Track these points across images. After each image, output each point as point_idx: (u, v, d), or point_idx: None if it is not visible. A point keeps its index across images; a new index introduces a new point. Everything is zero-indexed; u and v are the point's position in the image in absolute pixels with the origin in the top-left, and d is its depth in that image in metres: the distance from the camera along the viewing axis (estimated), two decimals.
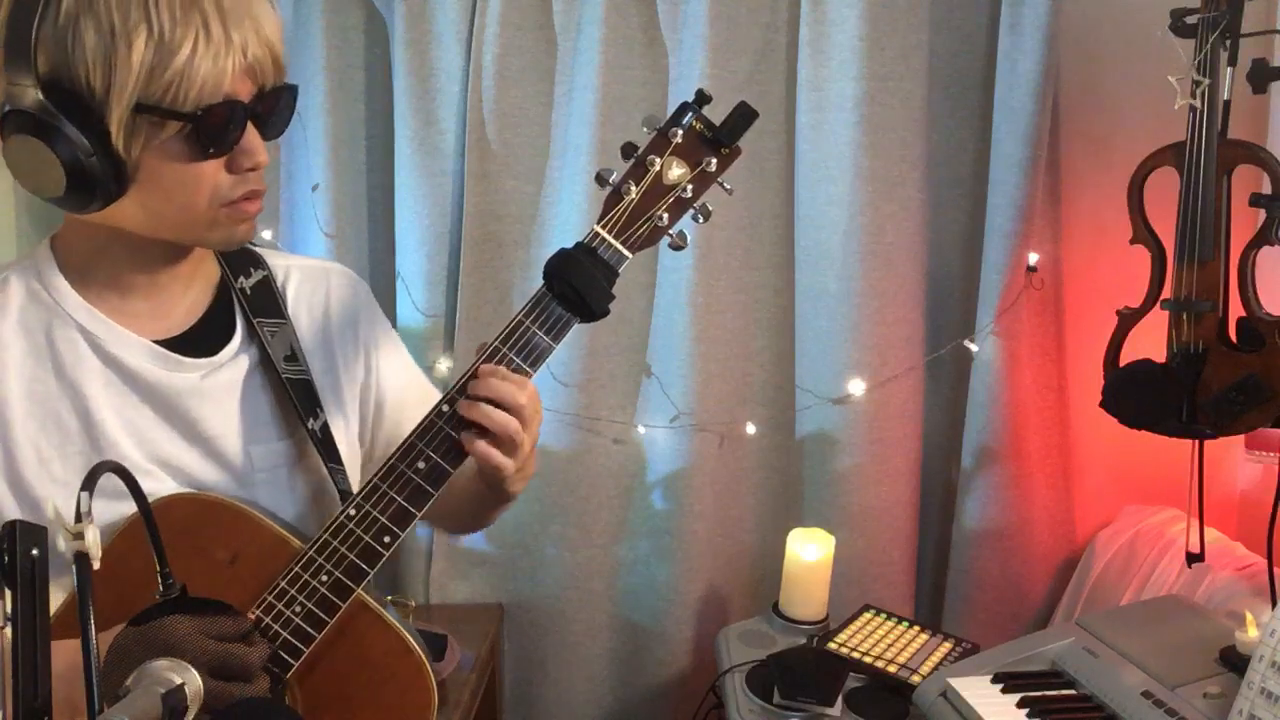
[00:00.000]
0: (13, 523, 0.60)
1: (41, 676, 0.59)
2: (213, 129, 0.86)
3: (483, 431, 0.96)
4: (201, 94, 0.84)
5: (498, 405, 0.95)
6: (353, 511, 0.95)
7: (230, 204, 0.91)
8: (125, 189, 0.87)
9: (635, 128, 1.89)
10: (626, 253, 1.00)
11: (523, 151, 1.92)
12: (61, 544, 0.62)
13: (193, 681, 0.72)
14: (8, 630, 0.59)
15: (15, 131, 0.84)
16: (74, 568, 0.62)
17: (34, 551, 0.59)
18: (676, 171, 1.01)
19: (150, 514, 0.74)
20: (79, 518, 0.62)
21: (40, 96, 0.83)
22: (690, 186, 1.01)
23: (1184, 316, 1.48)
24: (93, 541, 0.62)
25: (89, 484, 0.65)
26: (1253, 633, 1.26)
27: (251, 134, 0.89)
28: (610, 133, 1.86)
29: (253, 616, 0.92)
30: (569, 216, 1.89)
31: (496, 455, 0.96)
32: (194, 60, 0.83)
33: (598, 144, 1.85)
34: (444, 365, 1.98)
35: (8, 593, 0.59)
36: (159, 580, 0.79)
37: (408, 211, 1.93)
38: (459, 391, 0.97)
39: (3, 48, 0.84)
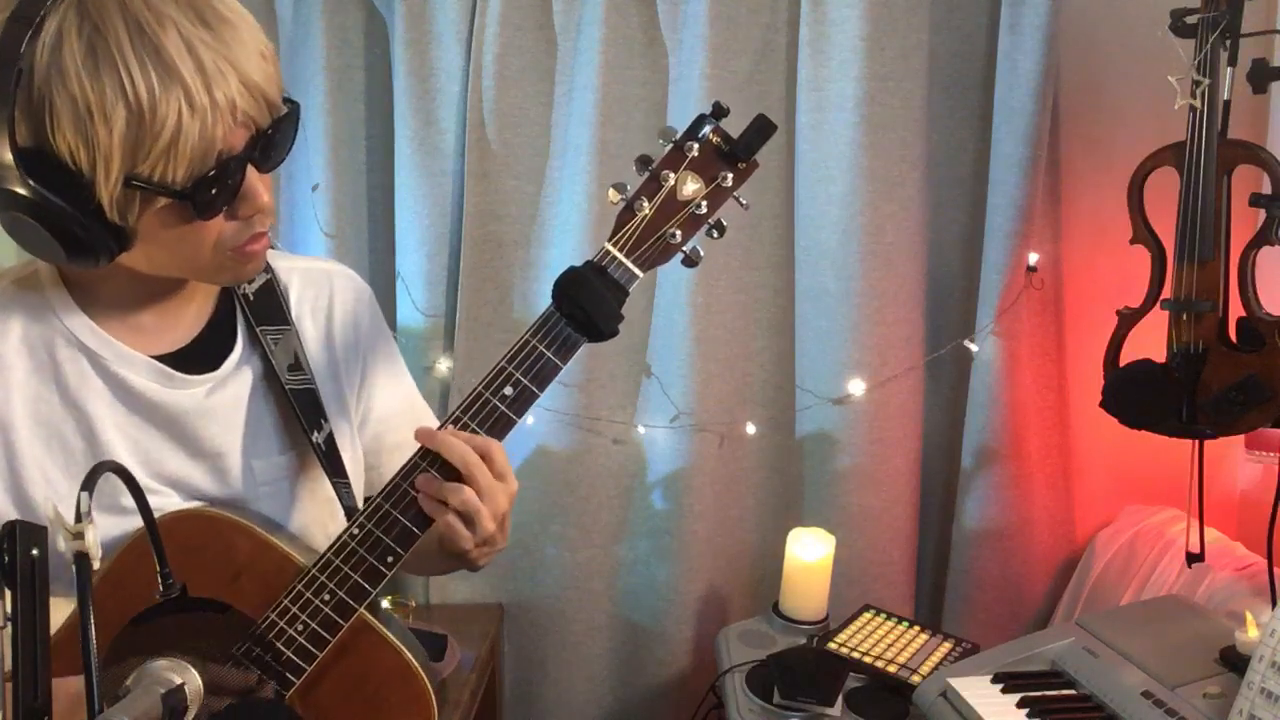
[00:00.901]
0: (13, 523, 0.60)
1: (41, 676, 0.59)
2: (208, 194, 0.83)
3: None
4: (192, 166, 0.80)
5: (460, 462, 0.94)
6: (356, 531, 0.94)
7: (235, 248, 0.89)
8: (127, 247, 0.85)
9: (635, 128, 1.92)
10: (637, 271, 0.98)
11: (523, 151, 1.92)
12: (62, 544, 0.62)
13: (193, 681, 0.72)
14: (8, 630, 0.59)
15: (6, 209, 0.81)
16: (74, 568, 0.62)
17: (34, 551, 0.59)
18: (691, 187, 0.98)
19: (149, 512, 0.74)
20: (79, 518, 0.62)
21: (26, 177, 0.79)
22: (705, 203, 0.98)
23: (1184, 316, 1.48)
24: (93, 542, 0.62)
25: (89, 484, 0.65)
26: (1253, 633, 1.26)
27: (251, 179, 0.86)
28: (610, 133, 1.86)
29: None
30: (569, 216, 1.89)
31: (458, 525, 0.94)
32: (180, 134, 0.78)
33: (598, 144, 1.85)
34: (444, 365, 1.97)
35: (8, 593, 0.59)
36: (159, 580, 0.79)
37: (408, 211, 1.93)
38: (463, 411, 0.96)
39: None
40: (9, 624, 0.58)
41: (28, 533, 0.59)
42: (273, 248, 1.09)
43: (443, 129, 1.90)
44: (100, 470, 0.66)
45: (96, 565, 0.62)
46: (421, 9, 1.86)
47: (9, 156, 0.78)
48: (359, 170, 1.99)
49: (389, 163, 1.96)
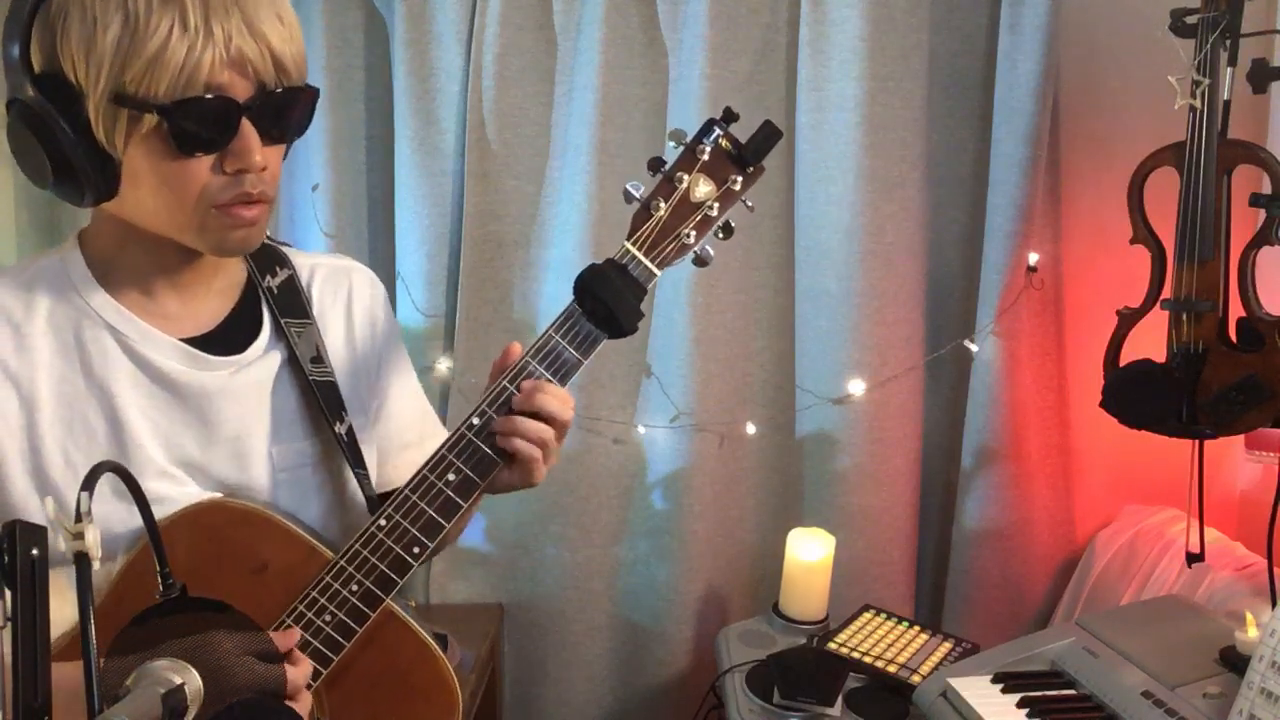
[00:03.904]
0: (13, 523, 0.60)
1: (41, 676, 0.59)
2: (190, 123, 0.84)
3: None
4: (175, 84, 0.82)
5: (540, 418, 0.97)
6: (383, 522, 0.95)
7: (220, 207, 0.88)
8: (115, 184, 0.87)
9: (635, 128, 1.92)
10: (655, 270, 1.01)
11: (523, 151, 1.92)
12: (62, 544, 0.62)
13: (193, 681, 0.72)
14: (8, 630, 0.58)
15: (14, 120, 0.86)
16: (75, 567, 0.62)
17: (34, 551, 0.59)
18: (703, 189, 1.02)
19: (149, 511, 0.74)
20: (79, 517, 0.62)
21: (32, 87, 0.84)
22: (716, 204, 1.02)
23: (1184, 316, 1.48)
24: (93, 542, 0.62)
25: (89, 484, 0.64)
26: (1253, 633, 1.26)
27: (247, 135, 0.86)
28: (610, 133, 1.86)
29: (296, 636, 0.91)
30: (569, 216, 1.89)
31: (536, 451, 0.98)
32: (166, 48, 0.81)
33: (598, 144, 1.85)
34: (444, 365, 1.98)
35: (8, 593, 0.59)
36: (159, 580, 0.79)
37: (408, 211, 1.93)
38: (490, 405, 0.98)
39: (3, 41, 0.85)
40: (9, 624, 0.58)
41: (28, 533, 0.59)
42: (286, 245, 1.09)
43: (443, 129, 1.90)
44: (101, 470, 0.66)
45: (96, 565, 0.62)
46: (421, 9, 1.86)
47: (25, 71, 0.84)
48: (359, 170, 1.99)
49: (389, 163, 1.96)
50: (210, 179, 0.87)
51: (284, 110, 0.89)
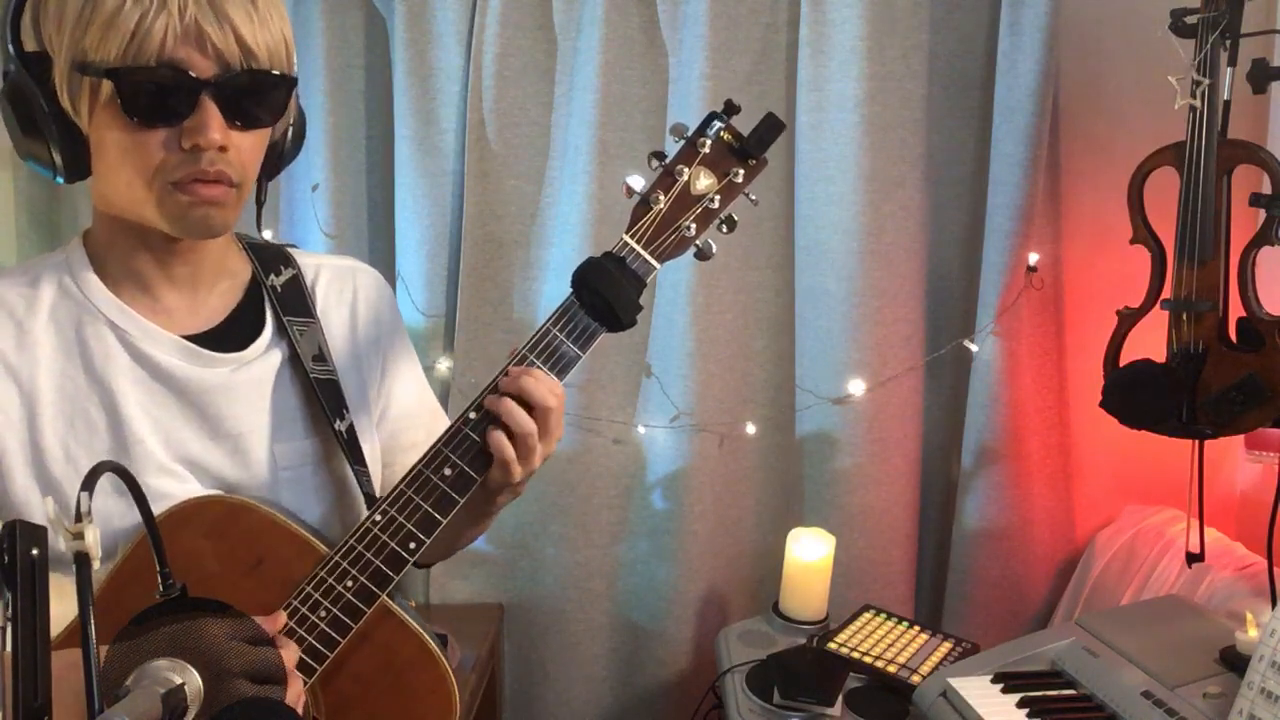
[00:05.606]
0: (13, 523, 0.60)
1: (42, 676, 0.59)
2: (141, 91, 0.84)
3: (504, 427, 0.97)
4: (127, 50, 0.83)
5: (525, 403, 0.96)
6: (379, 518, 0.95)
7: (178, 184, 0.88)
8: (85, 159, 0.89)
9: (635, 128, 1.92)
10: (654, 263, 1.00)
11: (523, 151, 1.92)
12: (62, 544, 0.62)
13: (193, 681, 0.72)
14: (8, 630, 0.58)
15: (1, 95, 0.90)
16: (75, 567, 0.62)
17: (34, 551, 0.59)
18: (704, 182, 1.01)
19: (150, 513, 0.74)
20: (79, 517, 0.62)
21: (17, 61, 0.87)
22: (718, 197, 1.02)
23: (1184, 316, 1.48)
24: (93, 542, 0.62)
25: (89, 484, 0.64)
26: (1253, 633, 1.26)
27: (205, 112, 0.86)
28: (610, 133, 1.86)
29: (282, 621, 0.92)
30: (569, 216, 1.89)
31: (509, 450, 0.97)
32: (120, 12, 0.82)
33: (598, 144, 1.85)
34: (444, 365, 1.98)
35: (8, 593, 0.59)
36: (159, 580, 0.79)
37: (408, 211, 1.93)
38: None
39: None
40: (9, 624, 0.58)
41: (28, 533, 0.59)
42: (293, 246, 1.09)
43: (443, 129, 1.90)
44: (101, 470, 0.66)
45: (96, 565, 0.62)
46: (421, 9, 1.86)
47: (12, 45, 0.87)
48: (359, 170, 1.99)
49: (389, 163, 1.96)
50: (166, 154, 0.88)
51: (251, 94, 0.89)
